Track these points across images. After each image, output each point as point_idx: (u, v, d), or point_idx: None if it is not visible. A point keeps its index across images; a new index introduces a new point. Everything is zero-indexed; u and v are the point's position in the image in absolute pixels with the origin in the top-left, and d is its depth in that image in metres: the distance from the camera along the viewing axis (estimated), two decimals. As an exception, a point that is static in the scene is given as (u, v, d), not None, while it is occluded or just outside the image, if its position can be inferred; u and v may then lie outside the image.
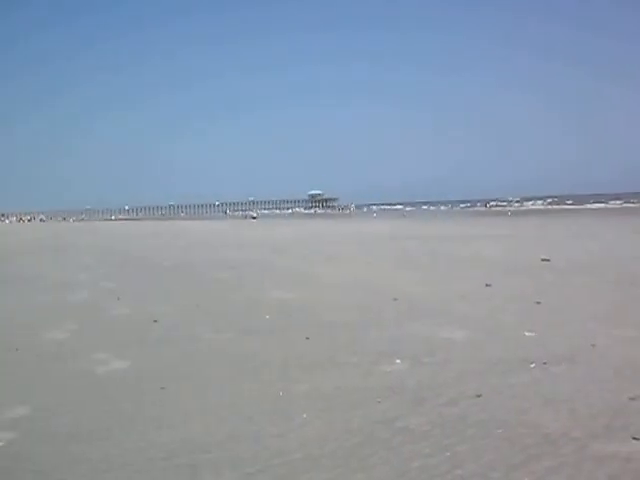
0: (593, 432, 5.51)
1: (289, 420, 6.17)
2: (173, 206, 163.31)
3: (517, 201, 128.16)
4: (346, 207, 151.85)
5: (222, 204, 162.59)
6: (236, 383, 7.54)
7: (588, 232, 35.10)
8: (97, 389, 7.52)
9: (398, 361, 8.12)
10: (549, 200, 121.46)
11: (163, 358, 8.86)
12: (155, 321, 11.31)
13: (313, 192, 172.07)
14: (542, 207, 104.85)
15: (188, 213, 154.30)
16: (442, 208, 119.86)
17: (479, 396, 6.56)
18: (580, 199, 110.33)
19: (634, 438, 5.33)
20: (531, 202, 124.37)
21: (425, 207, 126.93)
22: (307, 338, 9.63)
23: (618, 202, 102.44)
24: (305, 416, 6.24)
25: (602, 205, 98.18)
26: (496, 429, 5.66)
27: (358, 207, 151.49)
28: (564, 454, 5.09)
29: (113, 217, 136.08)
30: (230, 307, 12.80)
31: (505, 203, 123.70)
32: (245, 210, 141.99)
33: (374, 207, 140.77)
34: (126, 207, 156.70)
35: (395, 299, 12.78)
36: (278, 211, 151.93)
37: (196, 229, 59.40)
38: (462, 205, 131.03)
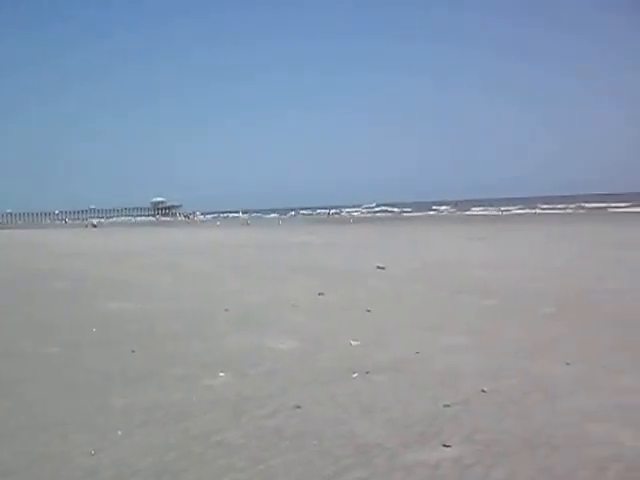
0: (406, 441, 5.54)
1: (104, 437, 5.89)
2: (10, 214, 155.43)
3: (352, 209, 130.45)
4: (191, 215, 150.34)
5: (62, 212, 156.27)
6: (53, 400, 7.16)
7: (425, 240, 36.16)
8: None
9: (222, 374, 7.94)
10: (378, 208, 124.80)
11: (-26, 375, 8.28)
12: (-27, 336, 10.61)
13: (156, 199, 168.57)
14: (381, 215, 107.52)
15: (26, 221, 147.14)
16: (273, 215, 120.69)
17: (299, 407, 6.49)
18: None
19: (444, 445, 5.39)
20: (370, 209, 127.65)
21: (266, 215, 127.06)
22: (133, 351, 9.31)
23: (447, 207, 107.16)
24: (120, 433, 5.98)
25: (434, 212, 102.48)
26: (312, 441, 5.59)
27: (204, 214, 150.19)
28: (376, 464, 5.08)
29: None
30: (61, 319, 12.23)
31: (348, 210, 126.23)
32: (86, 218, 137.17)
33: (218, 215, 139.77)
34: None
35: (227, 309, 12.60)
36: (120, 219, 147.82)
37: (34, 238, 56.92)
38: (304, 212, 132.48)
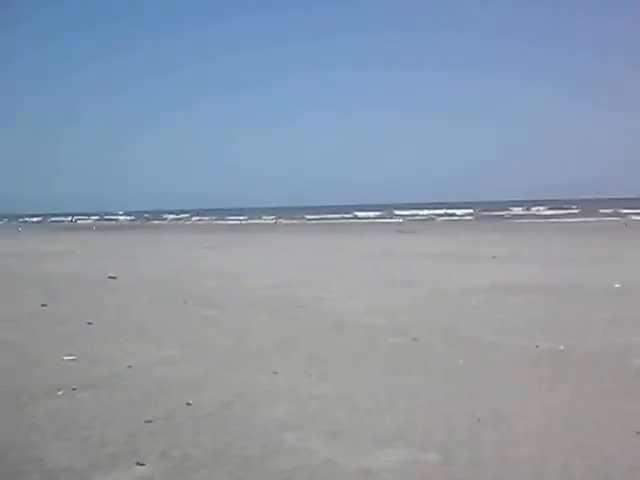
0: (100, 461, 5.39)
1: None
2: None
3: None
4: None
5: None
6: None
7: (163, 248, 35.93)
8: None
9: None
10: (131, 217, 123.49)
11: None
12: None
13: None
14: (127, 223, 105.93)
15: None
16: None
17: (-11, 433, 6.13)
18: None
19: (138, 463, 5.32)
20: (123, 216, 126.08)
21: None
22: None
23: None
24: None
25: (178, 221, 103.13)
26: (-4, 470, 5.29)
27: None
28: (61, 489, 4.91)
29: None
30: None
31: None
32: None
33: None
34: None
35: None
36: None
37: None
38: (53, 219, 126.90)
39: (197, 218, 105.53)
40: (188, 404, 6.87)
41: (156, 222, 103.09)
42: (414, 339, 9.94)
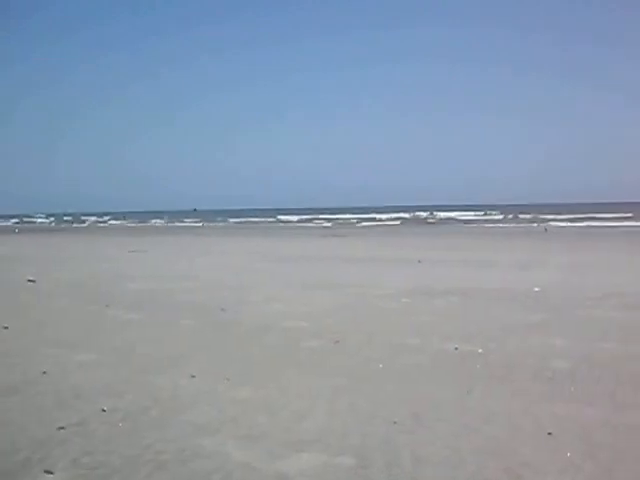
0: (10, 469, 5.23)
1: None
2: None
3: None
4: None
5: None
6: None
7: (87, 251, 35.28)
8: None
9: None
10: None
11: None
12: None
13: None
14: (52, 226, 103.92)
15: None
16: None
17: None
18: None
19: (47, 472, 5.17)
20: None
21: None
22: None
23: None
24: None
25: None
26: None
27: None
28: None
29: None
30: None
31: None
32: None
33: None
34: None
35: None
36: None
37: None
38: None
39: (119, 222, 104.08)
40: (103, 410, 6.72)
41: (75, 225, 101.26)
42: (336, 342, 9.96)
